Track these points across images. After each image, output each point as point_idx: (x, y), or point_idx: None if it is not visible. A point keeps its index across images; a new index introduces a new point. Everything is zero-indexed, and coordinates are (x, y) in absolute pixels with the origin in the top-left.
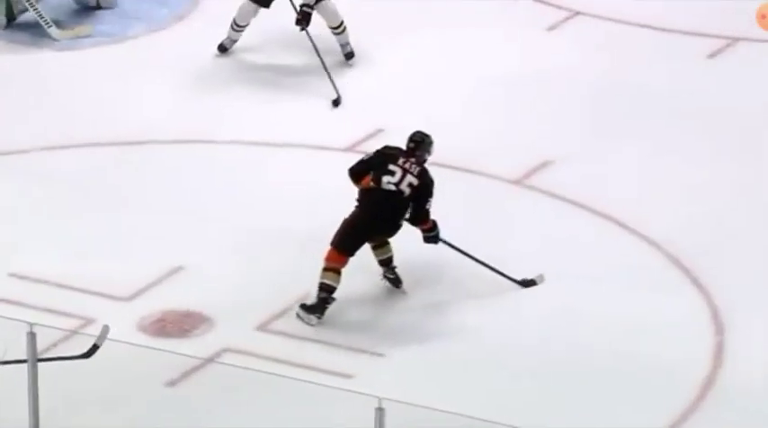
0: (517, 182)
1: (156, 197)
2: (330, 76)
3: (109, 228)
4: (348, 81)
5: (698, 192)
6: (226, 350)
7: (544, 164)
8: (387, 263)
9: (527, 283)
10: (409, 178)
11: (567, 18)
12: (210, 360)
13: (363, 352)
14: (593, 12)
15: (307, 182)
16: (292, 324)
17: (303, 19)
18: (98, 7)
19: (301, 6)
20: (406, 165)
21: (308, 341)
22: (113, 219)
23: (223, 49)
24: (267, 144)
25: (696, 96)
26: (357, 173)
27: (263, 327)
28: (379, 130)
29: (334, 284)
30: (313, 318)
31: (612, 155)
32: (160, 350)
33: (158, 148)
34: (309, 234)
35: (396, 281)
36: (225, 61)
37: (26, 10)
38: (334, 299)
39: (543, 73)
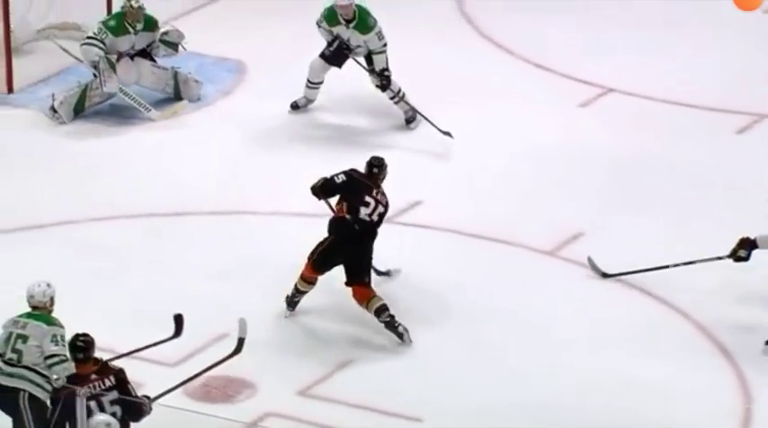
0: (550, 253)
1: (200, 266)
2: (428, 119)
3: (154, 296)
4: (385, 151)
5: (726, 263)
6: (268, 414)
7: (576, 237)
8: (380, 313)
9: (384, 273)
10: (380, 208)
11: (600, 95)
12: (254, 424)
13: (400, 416)
14: (625, 89)
15: None
16: (332, 389)
17: (388, 84)
18: (179, 99)
19: (382, 71)
20: (378, 196)
21: (347, 405)
22: (158, 287)
23: (296, 106)
24: (308, 214)
25: (725, 171)
26: (327, 190)
27: (303, 392)
28: (417, 202)
29: (304, 290)
30: (287, 312)
31: (642, 227)
32: (205, 414)
33: (203, 219)
34: (349, 302)
35: (394, 331)
36: (271, 134)
37: (100, 102)
38: (300, 297)
39: (576, 147)
